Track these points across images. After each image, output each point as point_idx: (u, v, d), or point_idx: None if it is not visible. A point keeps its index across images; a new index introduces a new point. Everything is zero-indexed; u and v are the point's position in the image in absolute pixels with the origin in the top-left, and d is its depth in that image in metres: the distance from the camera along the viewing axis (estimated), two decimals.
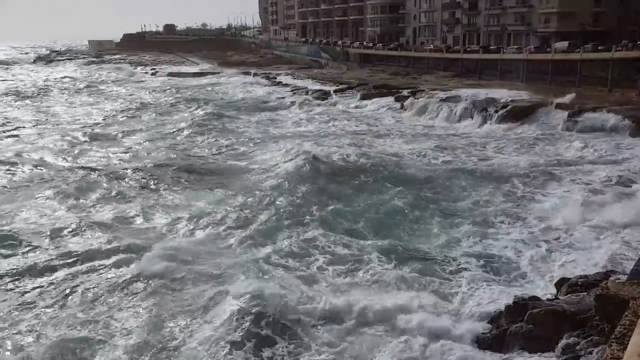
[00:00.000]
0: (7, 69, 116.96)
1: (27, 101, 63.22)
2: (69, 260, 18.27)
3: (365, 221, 21.54)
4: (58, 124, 46.78)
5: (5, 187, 27.08)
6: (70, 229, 20.92)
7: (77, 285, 16.62)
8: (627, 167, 27.93)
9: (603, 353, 8.56)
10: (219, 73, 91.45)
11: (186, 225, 21.40)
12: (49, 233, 20.48)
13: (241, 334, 13.56)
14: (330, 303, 14.81)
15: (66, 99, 65.26)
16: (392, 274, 16.91)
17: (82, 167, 30.27)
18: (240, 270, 17.06)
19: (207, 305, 15.25)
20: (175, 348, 13.43)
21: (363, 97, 55.06)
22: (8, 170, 30.00)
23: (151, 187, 26.90)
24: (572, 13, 60.47)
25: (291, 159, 30.36)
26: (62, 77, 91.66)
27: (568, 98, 40.07)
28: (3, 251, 19.08)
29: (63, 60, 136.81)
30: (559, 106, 38.99)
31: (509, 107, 40.73)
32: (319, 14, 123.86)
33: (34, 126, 45.68)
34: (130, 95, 68.66)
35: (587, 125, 35.85)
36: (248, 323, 13.84)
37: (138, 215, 22.68)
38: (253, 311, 14.28)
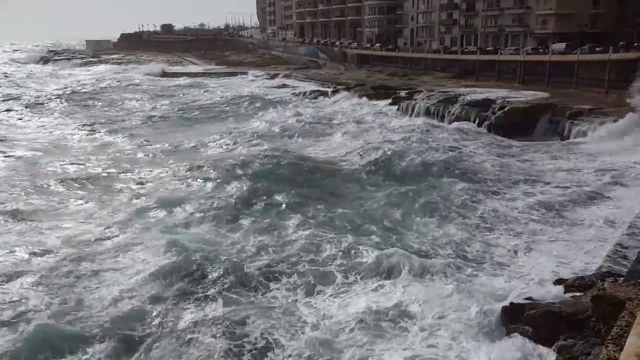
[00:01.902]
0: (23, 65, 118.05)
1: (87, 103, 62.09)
2: None
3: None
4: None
5: None
6: None
7: None
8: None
9: (600, 354, 8.56)
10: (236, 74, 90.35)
11: None
12: None
13: None
14: None
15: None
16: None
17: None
18: None
19: None
20: None
21: (361, 98, 54.98)
22: None
23: None
24: (570, 14, 60.47)
25: None
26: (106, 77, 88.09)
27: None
28: None
29: (60, 59, 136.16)
30: (557, 109, 38.96)
31: (506, 109, 40.71)
32: (316, 14, 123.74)
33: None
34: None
35: (582, 128, 35.84)
36: None
37: None
38: None
